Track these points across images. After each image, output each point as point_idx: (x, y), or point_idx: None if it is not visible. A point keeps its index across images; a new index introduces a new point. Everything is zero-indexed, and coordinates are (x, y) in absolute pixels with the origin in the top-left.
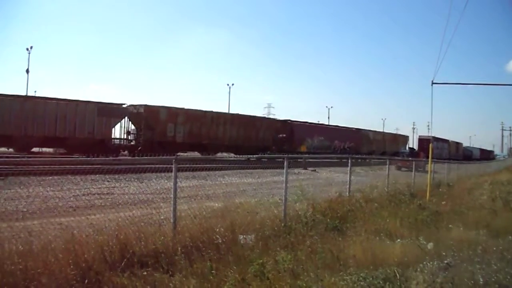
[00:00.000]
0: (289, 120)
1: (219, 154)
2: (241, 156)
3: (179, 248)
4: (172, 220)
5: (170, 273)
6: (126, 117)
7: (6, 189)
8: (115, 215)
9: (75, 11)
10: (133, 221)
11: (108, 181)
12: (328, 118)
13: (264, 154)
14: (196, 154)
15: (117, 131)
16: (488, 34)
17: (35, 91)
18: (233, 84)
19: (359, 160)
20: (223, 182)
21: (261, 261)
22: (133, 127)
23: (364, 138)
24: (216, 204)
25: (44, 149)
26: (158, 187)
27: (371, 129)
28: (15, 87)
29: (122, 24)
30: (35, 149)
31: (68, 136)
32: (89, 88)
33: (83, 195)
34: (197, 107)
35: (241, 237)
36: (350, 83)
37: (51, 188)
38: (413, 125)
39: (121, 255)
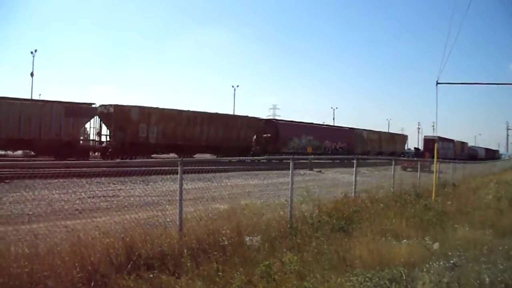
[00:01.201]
0: (274, 118)
1: (197, 156)
2: (247, 158)
3: (185, 250)
4: (178, 222)
5: (176, 275)
6: (96, 118)
7: (12, 192)
8: (121, 218)
9: (78, 13)
10: (139, 223)
11: (113, 184)
12: (333, 119)
13: (246, 155)
14: (173, 156)
15: (87, 132)
16: (492, 34)
17: (39, 94)
18: (238, 86)
19: (364, 161)
20: (229, 184)
21: (267, 262)
22: (104, 127)
23: (357, 138)
24: (222, 206)
25: (10, 152)
26: (164, 189)
27: (366, 128)
28: (20, 90)
29: (125, 26)
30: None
31: (33, 137)
32: (92, 90)
33: (89, 197)
34: (202, 109)
35: (247, 238)
36: (355, 84)
37: (57, 191)
38: (418, 125)
39: (127, 258)
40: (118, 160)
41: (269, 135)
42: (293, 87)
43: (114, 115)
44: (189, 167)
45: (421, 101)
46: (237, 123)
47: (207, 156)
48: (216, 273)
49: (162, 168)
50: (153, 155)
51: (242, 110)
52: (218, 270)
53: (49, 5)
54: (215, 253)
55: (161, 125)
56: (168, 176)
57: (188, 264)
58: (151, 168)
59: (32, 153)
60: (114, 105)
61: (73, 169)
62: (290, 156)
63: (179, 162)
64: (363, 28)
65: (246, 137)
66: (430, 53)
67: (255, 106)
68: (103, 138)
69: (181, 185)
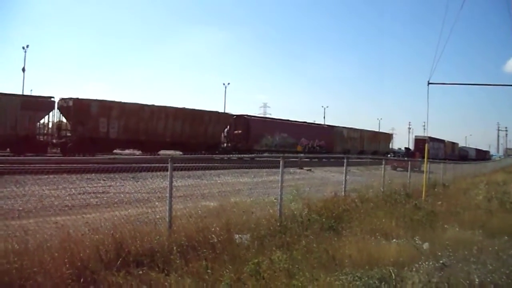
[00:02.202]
0: (245, 114)
1: (162, 152)
2: (235, 156)
3: (175, 247)
4: (167, 219)
5: (166, 272)
6: (55, 112)
7: (1, 187)
8: (110, 214)
9: (73, 12)
10: (129, 220)
11: (103, 180)
12: (324, 117)
13: (215, 153)
14: (139, 153)
15: (47, 127)
16: (486, 35)
17: (31, 90)
18: (229, 83)
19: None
20: (219, 181)
21: (256, 260)
22: (65, 122)
23: (337, 136)
24: (212, 204)
25: None
26: (154, 186)
27: (346, 126)
28: (12, 86)
29: (120, 24)
30: None
31: None
32: (86, 87)
33: (79, 194)
34: (194, 107)
35: (236, 236)
36: (346, 83)
37: (47, 187)
38: (409, 125)
39: (117, 254)
40: (110, 157)
41: (240, 131)
42: (284, 86)
43: (74, 109)
44: (179, 164)
45: (412, 100)
46: (204, 119)
47: (171, 152)
48: (205, 271)
49: (152, 165)
50: (114, 151)
51: (234, 108)
52: (207, 268)
53: (45, 4)
54: (205, 250)
55: (122, 119)
56: (159, 173)
57: (178, 261)
58: (141, 165)
59: None
60: (74, 98)
61: (63, 165)
62: (280, 155)
63: (169, 159)
64: (356, 26)
65: (215, 134)
66: (423, 52)
67: (246, 104)
68: (63, 133)
69: (171, 182)
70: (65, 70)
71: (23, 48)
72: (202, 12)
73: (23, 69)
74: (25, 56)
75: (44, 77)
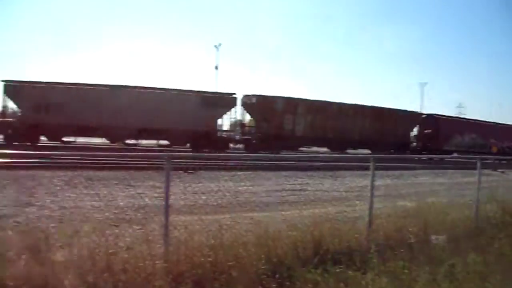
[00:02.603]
0: (435, 114)
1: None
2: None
3: (373, 246)
4: (367, 219)
5: (363, 271)
6: (237, 108)
7: (197, 182)
8: (309, 212)
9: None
10: (328, 217)
11: (300, 178)
12: None
13: (406, 152)
14: (325, 150)
15: (228, 123)
16: None
17: (224, 88)
18: (426, 83)
19: None
20: (416, 182)
21: (452, 262)
22: (248, 118)
23: None
24: (409, 204)
25: (145, 142)
26: (352, 185)
27: None
28: (207, 85)
29: (308, 20)
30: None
31: (168, 127)
32: (274, 81)
33: (276, 190)
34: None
35: (433, 237)
36: None
37: (243, 183)
38: None
39: (314, 252)
40: (310, 155)
41: (429, 131)
42: (482, 86)
43: (258, 106)
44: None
45: None
46: (393, 117)
47: (356, 151)
48: (402, 270)
49: (352, 164)
50: (300, 149)
51: (427, 108)
52: (404, 267)
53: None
54: (402, 250)
55: (308, 117)
56: (357, 172)
57: (375, 261)
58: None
59: (164, 142)
60: (257, 95)
61: (257, 162)
62: (477, 156)
63: (371, 159)
64: None
65: (404, 133)
66: None
67: (441, 105)
68: (247, 130)
69: (372, 180)
70: (258, 67)
71: (215, 46)
72: (394, 9)
73: (216, 67)
74: (217, 54)
75: (236, 74)
